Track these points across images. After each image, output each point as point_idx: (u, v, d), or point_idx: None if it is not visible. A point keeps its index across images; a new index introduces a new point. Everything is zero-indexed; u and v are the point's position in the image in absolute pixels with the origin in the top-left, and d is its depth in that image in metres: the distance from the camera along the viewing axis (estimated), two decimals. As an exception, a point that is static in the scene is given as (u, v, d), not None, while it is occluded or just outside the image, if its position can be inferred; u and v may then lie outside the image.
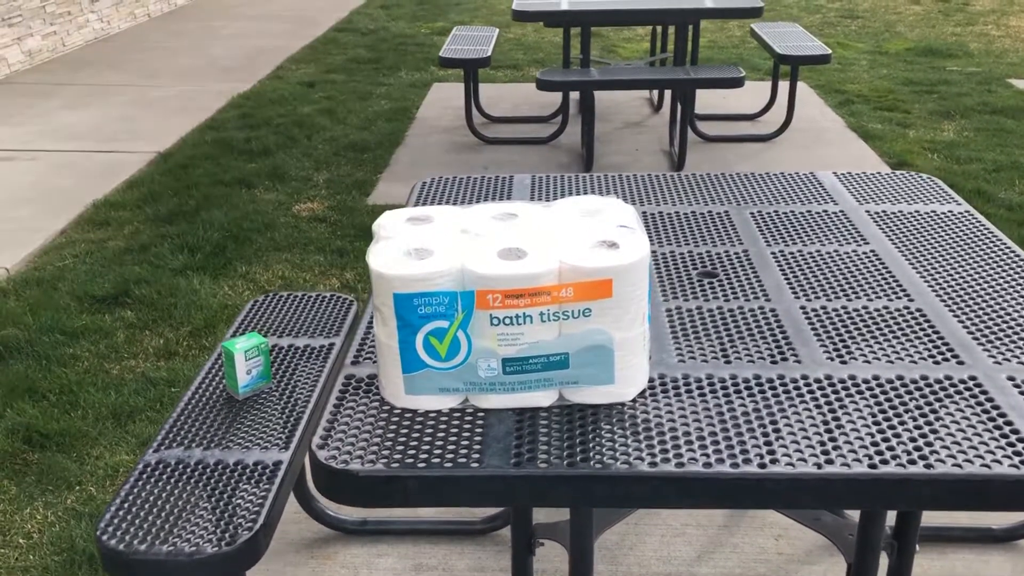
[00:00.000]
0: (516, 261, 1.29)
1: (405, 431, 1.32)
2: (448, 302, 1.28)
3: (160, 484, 1.65)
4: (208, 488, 1.63)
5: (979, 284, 1.69)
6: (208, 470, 1.68)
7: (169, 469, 1.69)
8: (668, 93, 6.08)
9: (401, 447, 1.28)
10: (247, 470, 1.68)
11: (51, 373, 3.02)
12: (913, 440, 1.26)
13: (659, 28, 6.68)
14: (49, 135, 5.40)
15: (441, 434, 1.31)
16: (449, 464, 1.24)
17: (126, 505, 1.59)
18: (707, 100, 6.01)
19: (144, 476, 1.67)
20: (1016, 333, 1.53)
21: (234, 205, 4.41)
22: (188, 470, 1.68)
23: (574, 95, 5.99)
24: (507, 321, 1.29)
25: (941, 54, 7.25)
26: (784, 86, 6.06)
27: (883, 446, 1.25)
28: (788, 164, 4.91)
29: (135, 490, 1.64)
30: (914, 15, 8.85)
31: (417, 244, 1.35)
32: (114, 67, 6.99)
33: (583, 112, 4.91)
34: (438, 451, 1.27)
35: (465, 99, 5.19)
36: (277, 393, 1.92)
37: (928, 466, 1.21)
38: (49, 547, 2.30)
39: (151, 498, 1.61)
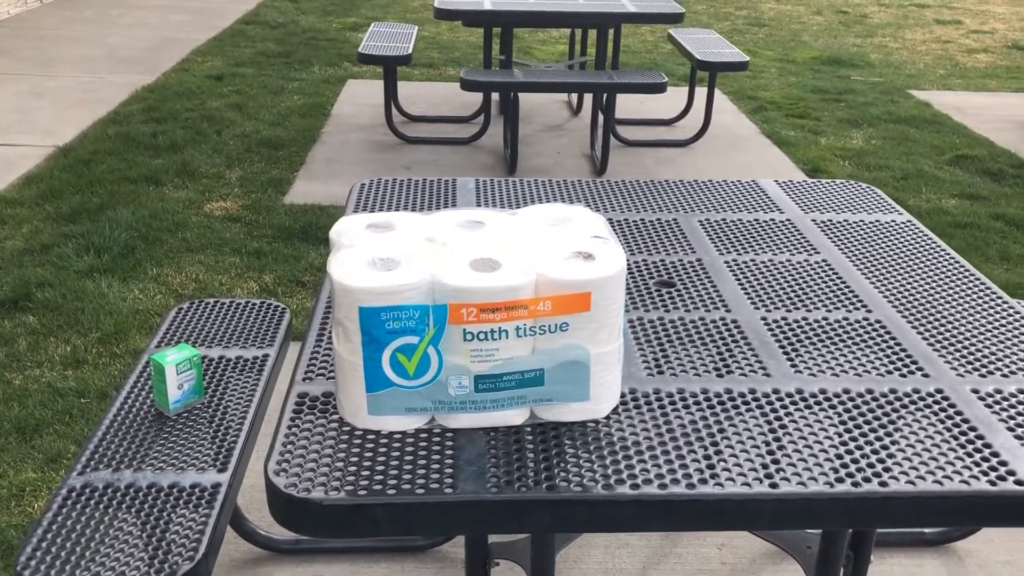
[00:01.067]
0: (491, 273, 1.22)
1: (369, 454, 1.23)
2: (419, 316, 1.21)
3: (88, 511, 1.51)
4: (141, 514, 1.51)
5: (932, 295, 1.71)
6: (140, 494, 1.56)
7: (97, 494, 1.55)
8: (588, 96, 6.08)
9: (367, 472, 1.20)
10: (183, 493, 1.56)
11: (-55, 384, 2.79)
12: (892, 456, 1.25)
13: (578, 32, 6.69)
14: (-66, 125, 5.05)
15: (408, 457, 1.23)
16: (421, 490, 1.17)
17: (49, 536, 1.46)
18: (625, 105, 6.04)
19: (69, 503, 1.53)
20: (974, 345, 1.54)
21: (142, 203, 4.19)
22: (118, 495, 1.55)
23: (495, 96, 5.93)
24: (481, 336, 1.22)
25: (845, 64, 7.49)
26: (701, 92, 6.15)
27: (863, 463, 1.24)
28: (707, 169, 4.97)
29: (59, 519, 1.50)
30: (817, 25, 9.12)
31: (382, 253, 1.27)
32: (5, 54, 6.59)
33: (506, 114, 4.86)
34: (407, 476, 1.19)
35: (385, 97, 5.07)
36: (210, 409, 1.80)
37: (910, 483, 1.20)
38: (-52, 576, 2.11)
39: (78, 527, 1.48)
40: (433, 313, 1.21)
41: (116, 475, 1.60)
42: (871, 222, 2.04)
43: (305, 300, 3.43)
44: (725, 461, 1.23)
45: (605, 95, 4.75)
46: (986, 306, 1.67)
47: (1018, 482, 1.20)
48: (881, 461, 1.24)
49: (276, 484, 1.18)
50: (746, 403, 1.36)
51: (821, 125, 5.80)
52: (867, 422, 1.32)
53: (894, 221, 2.05)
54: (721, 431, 1.29)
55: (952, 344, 1.54)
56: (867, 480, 1.21)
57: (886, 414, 1.35)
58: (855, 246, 1.91)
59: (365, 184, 2.14)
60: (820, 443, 1.27)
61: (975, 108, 6.33)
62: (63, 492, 1.56)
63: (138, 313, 3.26)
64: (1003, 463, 1.24)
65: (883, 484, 1.20)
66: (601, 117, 4.89)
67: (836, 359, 1.48)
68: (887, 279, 1.77)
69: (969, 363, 1.48)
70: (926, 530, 2.35)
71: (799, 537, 1.85)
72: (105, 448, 1.67)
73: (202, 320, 2.13)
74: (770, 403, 1.36)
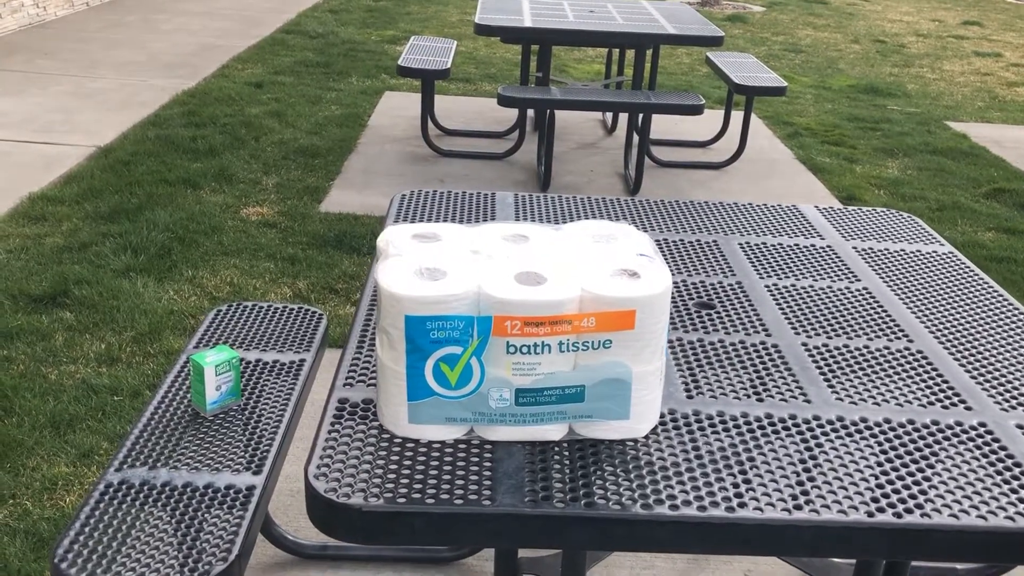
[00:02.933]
0: (536, 287, 1.23)
1: (408, 463, 1.24)
2: (463, 327, 1.21)
3: (123, 508, 1.53)
4: (176, 513, 1.52)
5: (974, 328, 1.69)
6: (176, 493, 1.57)
7: (133, 491, 1.57)
8: (622, 116, 6.09)
9: (406, 480, 1.20)
10: (218, 494, 1.57)
11: (-18, 376, 2.83)
12: (935, 488, 1.24)
13: (615, 51, 6.71)
14: (-21, 122, 5.14)
15: (447, 467, 1.23)
16: (459, 501, 1.17)
17: (87, 530, 1.47)
18: (658, 125, 6.04)
19: (106, 498, 1.55)
20: (1018, 380, 1.52)
21: (179, 206, 4.24)
22: (154, 492, 1.57)
23: (530, 112, 5.96)
24: (524, 350, 1.22)
25: (882, 93, 7.45)
26: (736, 116, 6.14)
27: (905, 493, 1.22)
28: (740, 193, 4.96)
29: (96, 513, 1.51)
30: (854, 53, 9.09)
31: (428, 263, 1.27)
32: (50, 55, 6.71)
33: (541, 131, 4.87)
34: (446, 486, 1.19)
35: (421, 110, 5.10)
36: (246, 411, 1.81)
37: (953, 516, 1.18)
38: (-21, 566, 2.14)
39: (114, 523, 1.49)
40: (478, 324, 1.21)
41: (152, 473, 1.61)
42: (912, 252, 2.03)
43: (338, 307, 3.45)
44: (765, 486, 1.22)
45: (641, 115, 4.75)
46: (1030, 341, 1.65)
47: (1063, 520, 1.18)
48: (923, 492, 1.23)
49: (316, 488, 1.18)
50: (786, 428, 1.35)
51: (856, 153, 5.77)
52: (908, 452, 1.31)
53: (935, 252, 2.03)
54: (761, 455, 1.29)
55: (995, 378, 1.52)
56: (908, 511, 1.19)
57: (928, 445, 1.33)
58: (896, 275, 1.90)
59: (406, 195, 2.15)
60: (861, 471, 1.26)
61: (1014, 141, 6.28)
62: (100, 487, 1.57)
63: (172, 314, 3.29)
64: (1048, 500, 1.22)
65: (925, 516, 1.18)
66: (636, 137, 4.90)
67: (877, 388, 1.47)
68: (929, 309, 1.75)
69: (1013, 397, 1.46)
70: (958, 565, 2.31)
71: (830, 566, 1.83)
72: (142, 446, 1.68)
73: (241, 323, 2.15)
74: (810, 429, 1.35)
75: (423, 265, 1.27)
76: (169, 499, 1.55)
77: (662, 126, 6.03)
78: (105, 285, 3.43)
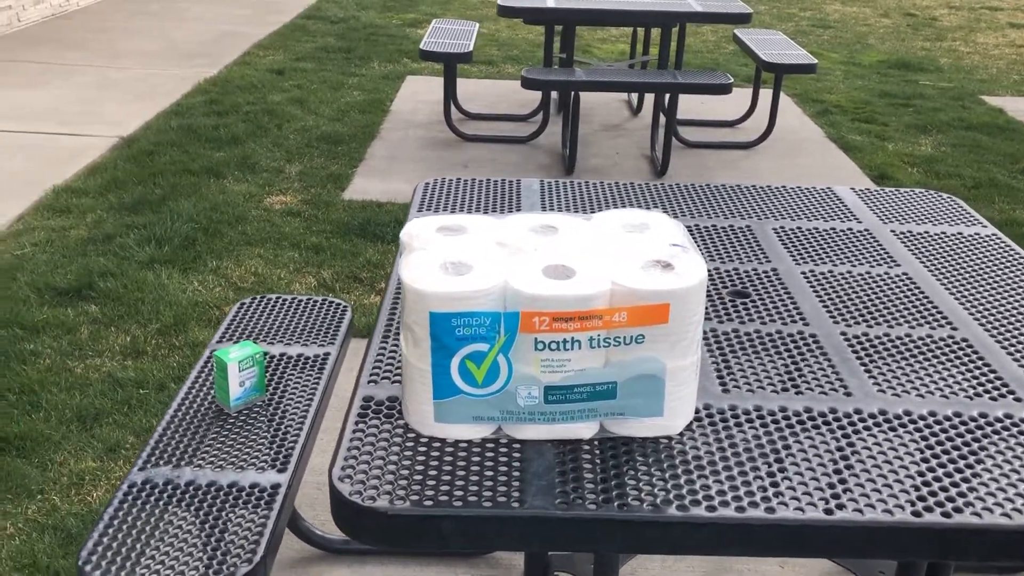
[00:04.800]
0: (565, 281, 1.18)
1: (435, 463, 1.20)
2: (490, 323, 1.17)
3: (148, 507, 1.50)
4: (201, 513, 1.50)
5: (1023, 314, 1.62)
6: (200, 492, 1.54)
7: (157, 490, 1.54)
8: (648, 96, 6.01)
9: (432, 482, 1.16)
10: (243, 493, 1.55)
11: (9, 371, 2.83)
12: (984, 485, 1.18)
13: (639, 30, 6.61)
14: (2, 115, 5.15)
15: (475, 468, 1.19)
16: (487, 503, 1.13)
17: (110, 531, 1.45)
18: (685, 105, 5.95)
19: (130, 498, 1.52)
20: (1070, 368, 1.45)
21: (203, 196, 4.23)
22: (178, 492, 1.54)
23: (553, 94, 5.88)
24: (553, 346, 1.18)
25: (913, 68, 7.29)
26: (765, 94, 6.03)
27: (953, 491, 1.17)
28: (770, 173, 4.87)
29: (120, 514, 1.49)
30: (884, 27, 8.91)
31: (453, 257, 1.23)
32: (73, 46, 6.72)
33: (566, 113, 4.81)
34: (474, 487, 1.15)
35: (444, 94, 5.05)
36: (271, 407, 1.78)
37: (1005, 515, 1.13)
38: (9, 563, 2.13)
39: (138, 523, 1.47)
40: (504, 320, 1.17)
41: (176, 472, 1.59)
42: (953, 234, 1.96)
43: (363, 296, 3.42)
44: (806, 484, 1.17)
45: (668, 95, 4.67)
46: (1081, 327, 1.58)
47: (1124, 519, 1.12)
48: (972, 490, 1.17)
49: (341, 491, 1.15)
50: (827, 423, 1.30)
51: (888, 130, 5.65)
52: (955, 447, 1.26)
53: (978, 234, 1.96)
54: (801, 451, 1.23)
55: (1046, 367, 1.46)
56: (958, 511, 1.14)
57: (976, 439, 1.27)
58: (937, 259, 1.83)
59: (429, 183, 2.11)
60: (906, 468, 1.21)
61: (1051, 115, 6.12)
62: (124, 487, 1.55)
63: (197, 305, 3.28)
64: (1106, 498, 1.16)
65: (976, 515, 1.13)
66: (662, 117, 4.82)
67: (921, 379, 1.41)
68: (973, 295, 1.68)
69: (1065, 388, 1.40)
70: (1000, 556, 2.25)
71: (871, 562, 1.78)
72: (165, 444, 1.66)
73: (264, 316, 2.12)
74: (852, 423, 1.30)
75: (448, 259, 1.23)
76: (193, 499, 1.53)
77: (689, 106, 5.93)
78: (130, 277, 3.43)
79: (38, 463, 2.45)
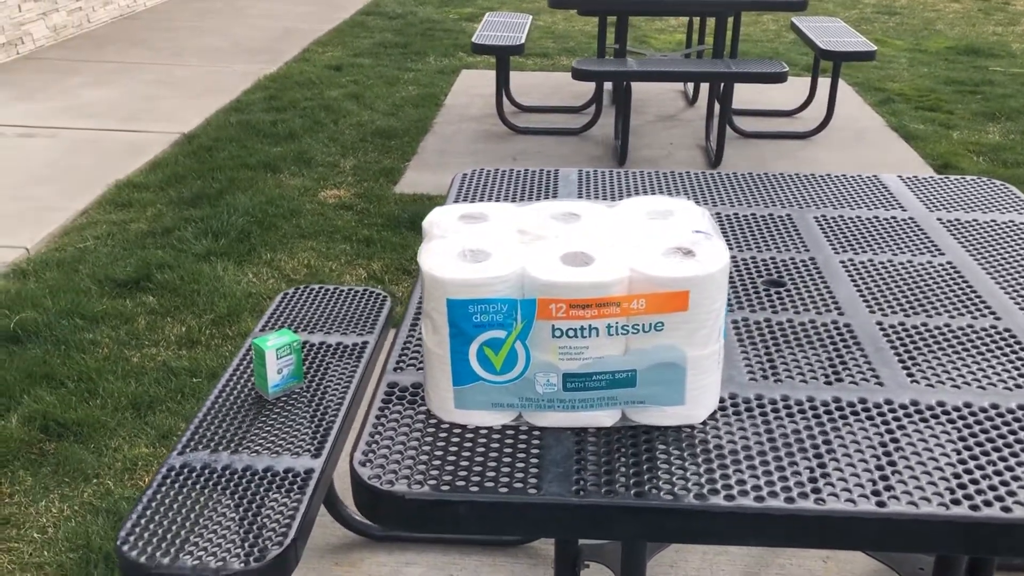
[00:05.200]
0: (582, 268, 1.18)
1: (455, 449, 1.21)
2: (507, 310, 1.17)
3: (185, 490, 1.55)
4: (235, 496, 1.53)
5: (1070, 303, 1.56)
6: (236, 476, 1.58)
7: (194, 474, 1.58)
8: (704, 86, 5.93)
9: (451, 467, 1.17)
10: (277, 477, 1.58)
11: (70, 359, 2.93)
12: (1018, 478, 1.14)
13: (695, 20, 6.53)
14: (71, 112, 5.32)
15: (494, 454, 1.20)
16: (504, 489, 1.13)
17: (148, 512, 1.49)
18: (742, 95, 5.86)
19: (168, 481, 1.57)
20: (1118, 360, 1.40)
21: (259, 190, 4.31)
22: (215, 476, 1.58)
23: (607, 86, 5.85)
24: (570, 333, 1.17)
25: (983, 54, 7.07)
26: (823, 83, 5.91)
27: (984, 484, 1.13)
28: (828, 163, 4.77)
29: (158, 496, 1.53)
30: (954, 13, 8.64)
31: (472, 245, 1.24)
32: (139, 45, 6.90)
33: (618, 104, 4.78)
34: (491, 473, 1.16)
35: (496, 87, 5.06)
36: (308, 394, 1.81)
37: (1037, 510, 1.09)
38: (64, 543, 2.21)
39: (175, 505, 1.51)
40: (521, 307, 1.17)
41: (214, 456, 1.62)
42: (1004, 222, 1.89)
43: (411, 288, 3.45)
44: (829, 475, 1.15)
45: (722, 85, 4.61)
46: None
47: None
48: (1005, 484, 1.14)
49: (360, 475, 1.16)
50: (855, 413, 1.27)
51: (954, 119, 5.48)
52: (990, 440, 1.22)
53: (1030, 222, 1.90)
54: (827, 443, 1.21)
55: (1092, 358, 1.40)
56: (988, 504, 1.10)
57: (1012, 432, 1.23)
58: (985, 248, 1.77)
59: (467, 174, 2.12)
60: (936, 460, 1.18)
61: None
62: (163, 471, 1.59)
63: (251, 296, 3.35)
64: None
65: (1006, 509, 1.10)
66: (717, 107, 4.76)
67: (958, 369, 1.37)
68: (1020, 284, 1.63)
69: (1111, 380, 1.35)
70: None
71: (911, 558, 1.74)
72: (205, 429, 1.70)
73: (306, 306, 2.16)
74: (882, 414, 1.27)
75: (467, 247, 1.23)
76: (229, 483, 1.56)
77: (747, 96, 5.84)
78: (186, 269, 3.51)
79: (94, 448, 2.54)
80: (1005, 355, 1.41)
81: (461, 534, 1.14)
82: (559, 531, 1.13)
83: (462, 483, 1.15)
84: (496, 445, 1.21)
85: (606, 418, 1.23)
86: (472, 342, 1.19)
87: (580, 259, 1.20)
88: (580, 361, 1.19)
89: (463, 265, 1.19)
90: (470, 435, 1.23)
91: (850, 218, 1.91)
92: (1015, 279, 1.65)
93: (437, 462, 1.18)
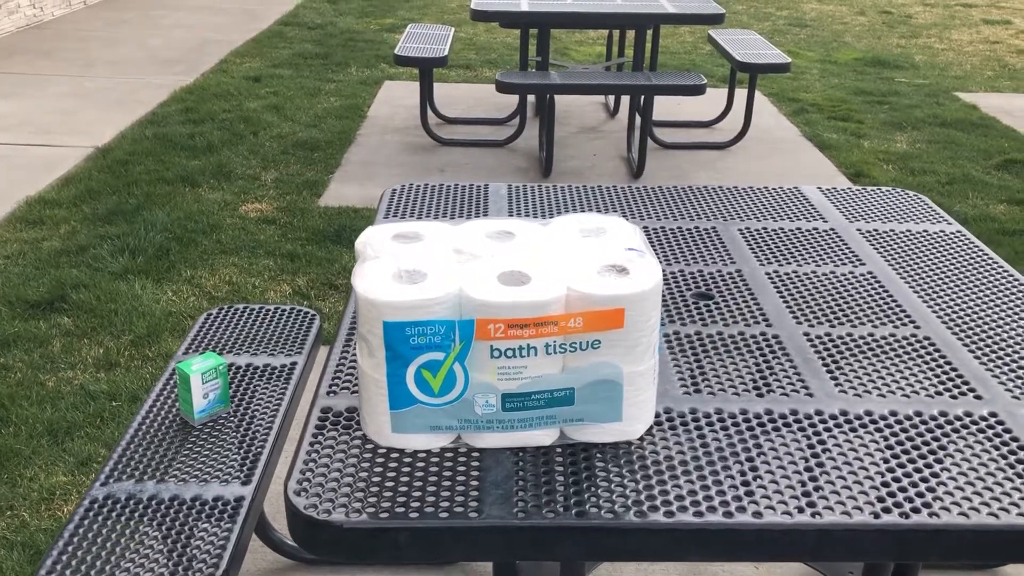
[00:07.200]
0: (520, 287, 1.17)
1: (392, 474, 1.19)
2: (444, 332, 1.16)
3: (109, 524, 1.49)
4: (163, 528, 1.48)
5: (985, 311, 1.63)
6: (163, 507, 1.53)
7: (119, 506, 1.53)
8: (625, 98, 6.01)
9: (389, 493, 1.15)
10: (206, 507, 1.53)
11: (-21, 385, 2.80)
12: (943, 484, 1.18)
13: (615, 32, 6.62)
14: (-23, 126, 5.11)
15: (433, 478, 1.18)
16: (444, 514, 1.12)
17: (70, 548, 1.43)
18: (663, 107, 5.96)
19: (91, 514, 1.51)
20: (1030, 365, 1.46)
21: (177, 205, 4.20)
22: (140, 507, 1.53)
23: (531, 98, 5.88)
24: (509, 353, 1.17)
25: (889, 65, 7.33)
26: (740, 94, 6.05)
27: (912, 492, 1.17)
28: (746, 173, 4.88)
29: (80, 530, 1.47)
30: (860, 25, 8.95)
31: (407, 265, 1.22)
32: (47, 56, 6.67)
33: (542, 116, 4.80)
34: (431, 498, 1.15)
35: (420, 99, 5.04)
36: (236, 419, 1.77)
37: (963, 514, 1.13)
38: (-23, 580, 2.11)
39: (99, 540, 1.45)
40: (459, 329, 1.16)
41: (139, 486, 1.57)
42: (919, 232, 1.96)
43: (338, 304, 3.41)
44: (765, 488, 1.17)
45: (643, 97, 4.68)
46: (1042, 323, 1.59)
47: (1080, 516, 1.12)
48: (931, 490, 1.17)
49: (296, 505, 1.14)
50: (787, 424, 1.30)
51: (864, 128, 5.67)
52: (915, 447, 1.26)
53: (943, 231, 1.97)
54: (760, 454, 1.23)
55: (1007, 364, 1.46)
56: (916, 511, 1.14)
57: (936, 439, 1.27)
58: (902, 257, 1.83)
59: (396, 189, 2.10)
60: (865, 469, 1.21)
61: (1025, 111, 6.16)
62: (85, 503, 1.53)
63: (171, 315, 3.26)
64: (1063, 495, 1.16)
65: (933, 515, 1.13)
66: (638, 119, 4.82)
67: (883, 378, 1.41)
68: (936, 293, 1.69)
69: (1025, 385, 1.40)
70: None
71: (840, 564, 1.78)
72: (128, 458, 1.64)
73: (230, 326, 2.11)
74: (812, 425, 1.30)
75: (402, 267, 1.22)
76: (156, 513, 1.51)
77: (666, 107, 5.94)
78: (103, 288, 3.40)
79: (7, 479, 2.43)
80: (926, 363, 1.46)
81: (402, 562, 1.12)
82: (502, 554, 1.13)
83: (401, 509, 1.13)
84: (435, 469, 1.20)
85: (545, 437, 1.23)
86: (409, 365, 1.17)
87: (517, 278, 1.20)
88: (519, 381, 1.18)
89: (399, 287, 1.17)
90: (408, 459, 1.21)
91: (774, 230, 1.95)
92: (931, 288, 1.71)
93: (375, 489, 1.16)
